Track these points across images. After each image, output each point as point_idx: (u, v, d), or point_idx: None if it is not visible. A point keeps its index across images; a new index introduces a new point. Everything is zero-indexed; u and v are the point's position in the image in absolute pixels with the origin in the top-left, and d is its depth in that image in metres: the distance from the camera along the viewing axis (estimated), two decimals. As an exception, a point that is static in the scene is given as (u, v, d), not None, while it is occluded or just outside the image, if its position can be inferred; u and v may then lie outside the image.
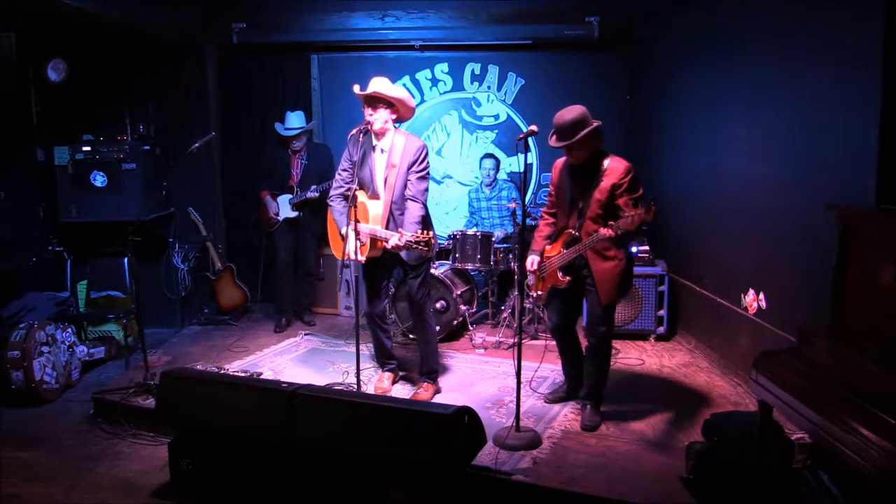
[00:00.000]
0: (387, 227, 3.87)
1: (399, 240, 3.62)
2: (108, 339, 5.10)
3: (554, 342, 4.01)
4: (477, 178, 6.56)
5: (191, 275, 5.98)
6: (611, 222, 3.27)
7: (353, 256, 3.77)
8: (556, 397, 3.99)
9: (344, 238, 3.80)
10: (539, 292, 3.78)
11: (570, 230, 3.57)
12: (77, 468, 3.46)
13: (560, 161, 3.73)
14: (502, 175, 6.41)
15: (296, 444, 2.97)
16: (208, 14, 5.97)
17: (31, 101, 5.06)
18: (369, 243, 3.83)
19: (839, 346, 2.44)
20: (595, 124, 3.40)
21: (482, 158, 6.10)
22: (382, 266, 4.07)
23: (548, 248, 3.73)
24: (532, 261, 3.73)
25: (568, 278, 3.60)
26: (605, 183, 3.41)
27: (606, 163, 3.45)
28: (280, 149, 5.76)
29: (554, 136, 3.47)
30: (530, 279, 3.78)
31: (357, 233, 3.77)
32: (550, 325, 3.94)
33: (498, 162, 6.10)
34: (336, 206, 4.01)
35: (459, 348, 5.21)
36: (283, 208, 5.63)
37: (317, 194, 5.46)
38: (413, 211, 3.82)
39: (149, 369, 4.23)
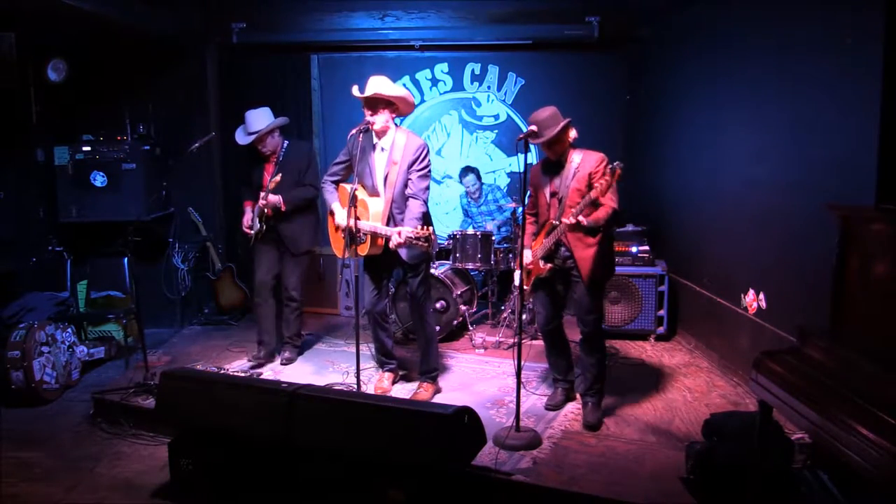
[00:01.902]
0: (387, 225, 3.87)
1: (399, 236, 3.63)
2: (108, 339, 5.11)
3: (540, 343, 4.05)
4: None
5: (191, 275, 5.99)
6: (571, 211, 3.45)
7: (341, 224, 3.89)
8: (556, 403, 3.99)
9: (337, 228, 3.96)
10: (526, 287, 3.81)
11: (552, 220, 3.66)
12: (77, 468, 3.46)
13: (536, 164, 3.88)
14: (499, 179, 6.43)
15: (296, 445, 2.97)
16: (208, 14, 5.98)
17: (31, 101, 5.07)
18: (369, 240, 3.84)
19: (839, 346, 2.44)
20: (568, 118, 3.60)
21: (461, 175, 6.13)
22: (383, 264, 4.08)
23: (533, 243, 3.80)
24: (526, 255, 3.76)
25: (549, 266, 3.68)
26: (582, 172, 3.55)
27: (580, 155, 3.60)
28: (253, 155, 4.72)
29: (534, 135, 3.54)
30: (517, 277, 3.81)
31: (357, 231, 3.79)
32: (539, 323, 3.97)
33: (477, 173, 6.12)
34: (326, 188, 4.12)
35: (459, 348, 5.21)
36: (256, 220, 4.68)
37: (268, 201, 4.47)
38: (414, 208, 3.83)
39: (149, 369, 4.23)
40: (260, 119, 4.58)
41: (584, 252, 3.58)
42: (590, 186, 3.47)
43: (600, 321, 3.75)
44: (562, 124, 3.52)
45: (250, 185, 4.75)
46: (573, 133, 3.61)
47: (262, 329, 4.83)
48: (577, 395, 4.00)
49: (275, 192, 4.47)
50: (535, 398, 4.12)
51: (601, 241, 3.58)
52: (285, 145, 4.69)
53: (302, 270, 4.83)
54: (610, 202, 3.44)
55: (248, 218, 4.70)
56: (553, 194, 3.67)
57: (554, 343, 3.96)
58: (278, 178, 4.36)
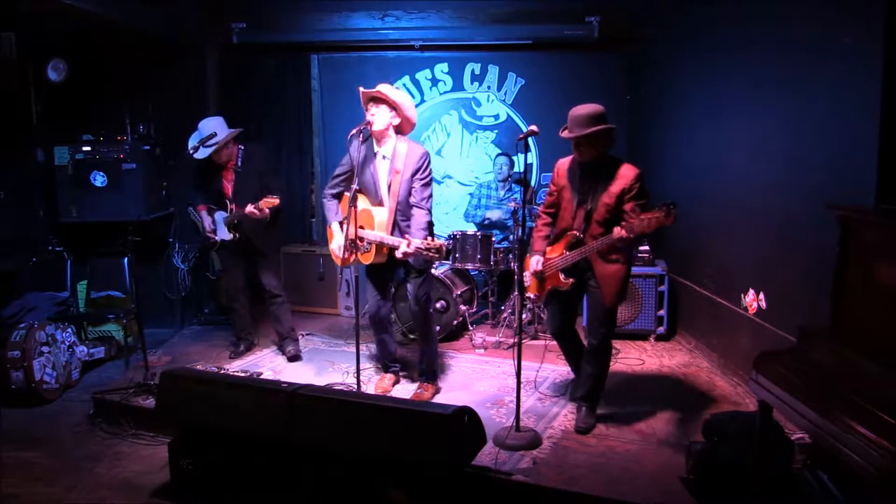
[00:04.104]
0: (391, 234, 3.86)
1: (408, 247, 3.60)
2: (108, 339, 5.10)
3: (554, 342, 3.99)
4: (477, 178, 6.57)
5: (191, 275, 5.98)
6: (623, 223, 3.21)
7: (339, 254, 3.87)
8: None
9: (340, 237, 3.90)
10: (535, 293, 3.76)
11: (575, 232, 3.53)
12: (77, 468, 3.46)
13: (565, 161, 3.67)
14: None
15: (296, 445, 2.97)
16: (208, 14, 5.98)
17: (31, 101, 5.05)
18: (374, 249, 3.83)
19: (839, 346, 2.44)
20: (610, 125, 3.40)
21: (496, 157, 6.15)
22: (386, 269, 4.07)
23: (548, 249, 3.70)
24: (537, 261, 3.69)
25: (571, 280, 3.57)
26: (615, 187, 3.40)
27: (616, 168, 3.43)
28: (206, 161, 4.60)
29: (566, 129, 3.44)
30: (527, 279, 3.76)
31: (361, 238, 3.79)
32: (551, 329, 3.93)
33: (511, 159, 6.09)
34: (327, 203, 4.08)
35: (459, 348, 5.21)
36: (220, 228, 4.69)
37: (256, 211, 4.34)
38: (419, 218, 3.82)
39: (149, 369, 4.23)
40: (216, 126, 4.52)
41: (606, 269, 3.47)
42: (619, 202, 3.36)
43: (610, 336, 3.68)
44: (594, 128, 3.32)
45: (204, 188, 4.74)
46: (611, 142, 3.42)
47: (239, 327, 5.07)
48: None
49: (243, 200, 4.42)
50: (536, 398, 4.12)
51: (623, 259, 3.48)
52: (241, 151, 4.66)
53: (276, 266, 5.00)
54: None
55: (208, 222, 4.70)
56: (581, 204, 3.51)
57: (566, 345, 3.92)
58: (256, 211, 4.31)
